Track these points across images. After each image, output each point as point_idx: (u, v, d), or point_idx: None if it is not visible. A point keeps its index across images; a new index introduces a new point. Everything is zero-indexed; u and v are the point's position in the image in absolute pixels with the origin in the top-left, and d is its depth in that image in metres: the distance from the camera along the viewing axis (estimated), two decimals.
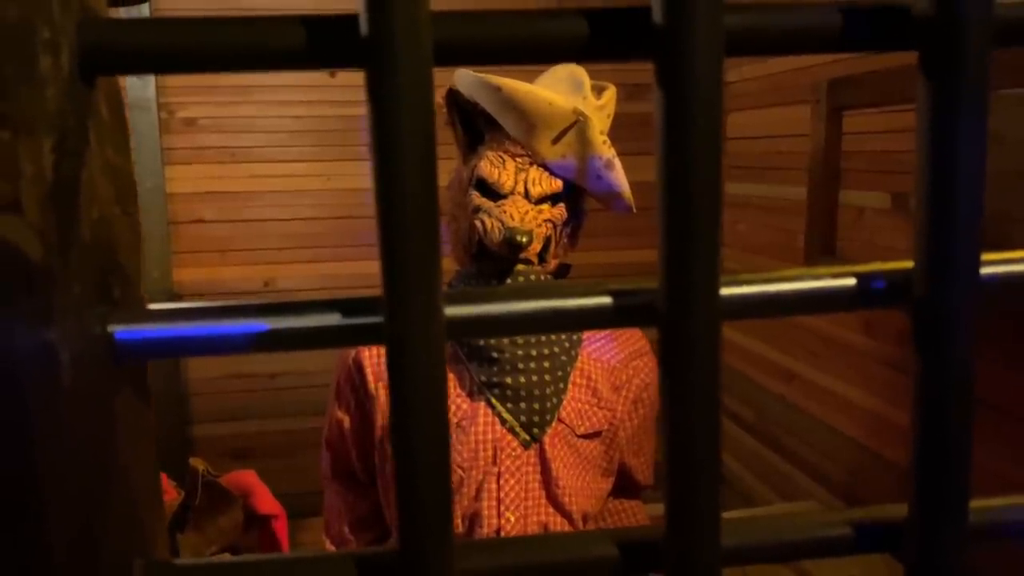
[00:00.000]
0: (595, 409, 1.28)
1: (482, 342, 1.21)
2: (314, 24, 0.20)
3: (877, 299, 0.23)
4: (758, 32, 0.21)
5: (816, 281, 0.23)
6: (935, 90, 0.21)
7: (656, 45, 0.20)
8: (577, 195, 1.25)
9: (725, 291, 0.22)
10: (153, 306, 0.21)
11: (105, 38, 0.19)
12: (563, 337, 1.25)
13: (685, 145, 0.20)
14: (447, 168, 1.35)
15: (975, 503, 0.24)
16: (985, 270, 0.23)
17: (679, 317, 0.21)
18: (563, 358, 1.25)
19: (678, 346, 0.21)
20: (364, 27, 0.19)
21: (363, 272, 2.72)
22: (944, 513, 0.23)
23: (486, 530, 1.20)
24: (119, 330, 0.21)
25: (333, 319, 0.21)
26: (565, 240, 1.27)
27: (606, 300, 0.22)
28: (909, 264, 0.23)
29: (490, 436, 1.22)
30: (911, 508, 0.23)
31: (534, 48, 0.21)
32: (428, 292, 0.20)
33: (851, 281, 0.23)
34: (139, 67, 0.20)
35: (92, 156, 0.20)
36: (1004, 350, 1.60)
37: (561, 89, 1.19)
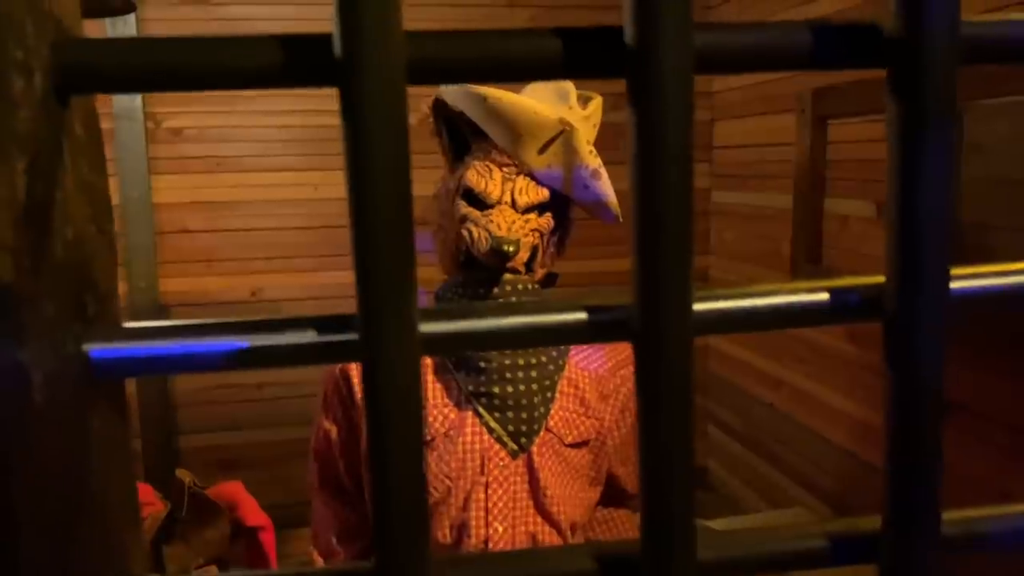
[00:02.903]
0: (583, 418, 1.28)
1: (469, 352, 1.21)
2: (288, 43, 0.20)
3: (850, 313, 0.23)
4: (728, 50, 0.22)
5: (790, 296, 0.23)
6: (903, 108, 0.21)
7: (627, 64, 0.20)
8: (564, 204, 1.26)
9: (699, 306, 0.23)
10: (128, 324, 0.21)
11: (79, 58, 0.19)
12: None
13: (656, 163, 0.20)
14: (434, 177, 1.35)
15: (948, 514, 0.24)
16: (955, 284, 0.23)
17: (652, 333, 0.21)
18: (550, 367, 1.26)
19: (651, 361, 0.21)
20: (337, 47, 0.19)
21: (351, 281, 2.70)
22: (917, 524, 0.23)
23: (474, 540, 1.20)
24: (94, 348, 0.21)
25: (309, 336, 0.21)
26: (552, 249, 1.27)
27: (581, 316, 0.22)
28: (882, 279, 0.23)
29: (477, 446, 1.22)
30: (884, 519, 0.23)
31: (507, 66, 0.21)
32: (402, 309, 0.20)
33: (824, 296, 0.23)
34: (113, 87, 0.20)
35: (66, 175, 0.20)
36: (990, 358, 1.61)
37: (547, 99, 1.20)
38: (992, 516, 0.25)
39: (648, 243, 0.21)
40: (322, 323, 0.22)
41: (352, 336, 0.21)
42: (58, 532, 0.20)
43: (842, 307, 0.23)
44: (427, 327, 0.21)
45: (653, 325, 0.21)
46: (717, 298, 0.23)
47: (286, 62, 0.20)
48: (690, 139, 0.20)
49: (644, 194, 0.21)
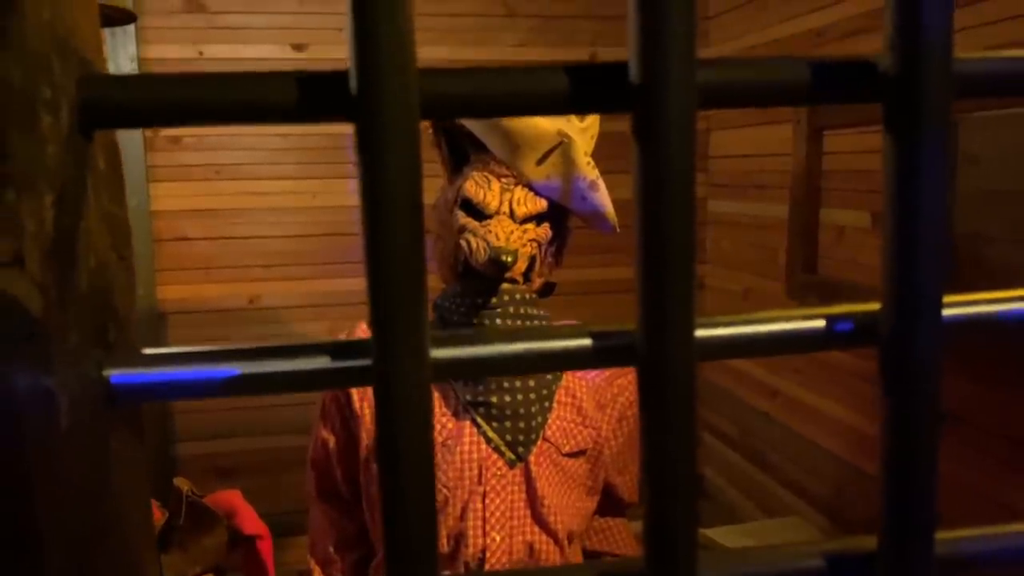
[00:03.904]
0: (580, 427, 1.29)
1: None
2: (305, 80, 0.21)
3: (846, 340, 0.24)
4: (730, 87, 0.22)
5: (788, 323, 0.24)
6: (899, 142, 0.22)
7: (632, 99, 0.21)
8: (561, 214, 1.27)
9: (701, 333, 0.23)
10: (148, 350, 0.22)
11: (103, 95, 0.20)
12: None
13: (660, 196, 0.21)
14: (433, 187, 1.36)
15: (942, 534, 0.25)
16: (948, 311, 0.24)
17: (656, 359, 0.22)
18: (548, 377, 1.26)
19: (656, 387, 0.22)
20: (354, 83, 0.20)
21: (349, 289, 2.72)
22: (912, 544, 0.24)
23: (471, 549, 1.20)
24: (114, 374, 0.21)
25: (323, 362, 0.22)
26: (550, 259, 1.28)
27: (587, 342, 0.23)
28: (877, 305, 0.24)
29: (475, 455, 1.22)
30: (880, 540, 0.24)
31: (517, 101, 0.22)
32: (415, 337, 0.21)
33: (821, 323, 0.24)
34: (136, 122, 0.20)
35: (90, 207, 0.21)
36: (990, 370, 1.62)
37: None
38: (985, 535, 0.25)
39: (652, 273, 0.21)
40: (335, 349, 0.22)
41: (365, 362, 0.22)
42: (81, 552, 0.20)
43: (839, 333, 0.24)
44: (438, 353, 0.22)
45: (657, 352, 0.22)
46: (718, 325, 0.24)
47: (303, 98, 0.21)
48: (693, 174, 0.21)
49: (648, 223, 0.21)
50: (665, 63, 0.21)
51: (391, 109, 0.20)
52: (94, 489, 0.21)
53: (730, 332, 0.23)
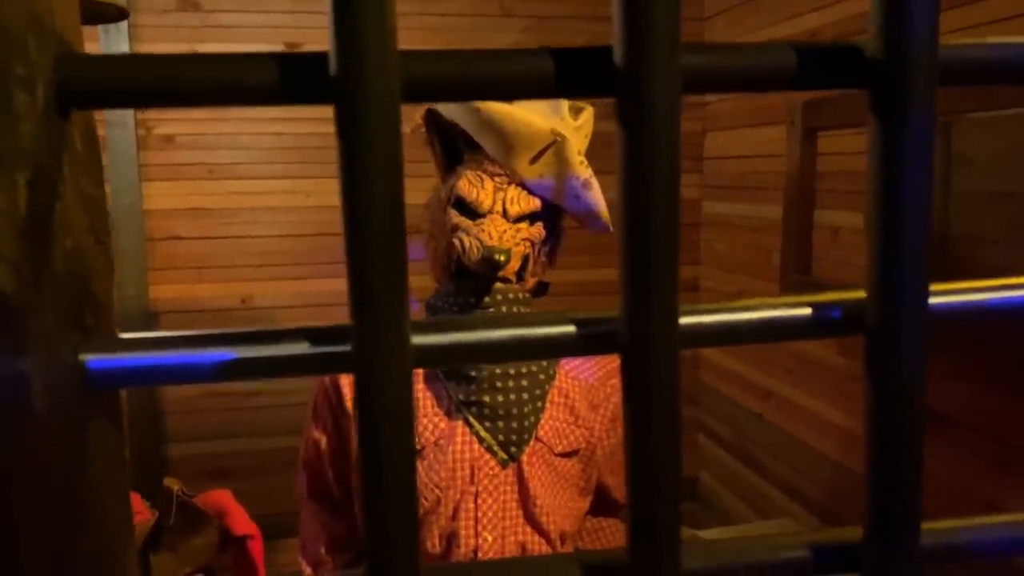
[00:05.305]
0: (573, 428, 1.28)
1: None
2: (285, 61, 0.21)
3: (832, 328, 0.24)
4: (715, 71, 0.22)
5: (773, 311, 0.24)
6: (883, 128, 0.22)
7: (616, 84, 0.21)
8: (555, 214, 1.26)
9: (685, 320, 0.23)
10: (125, 335, 0.21)
11: (81, 74, 0.20)
12: None
13: (644, 181, 0.21)
14: (426, 186, 1.36)
15: (927, 525, 0.25)
16: (934, 300, 0.23)
17: (639, 346, 0.21)
18: (541, 376, 1.26)
19: (639, 374, 0.22)
20: (333, 65, 0.20)
21: (341, 289, 2.72)
22: (897, 535, 0.23)
23: (463, 549, 1.20)
24: (91, 359, 0.21)
25: (303, 348, 0.22)
26: (543, 259, 1.28)
27: (570, 329, 0.23)
28: (862, 294, 0.24)
29: (467, 455, 1.22)
30: (865, 531, 0.24)
31: (500, 86, 0.22)
32: (396, 322, 0.20)
33: (807, 311, 0.24)
34: (114, 102, 0.20)
35: (66, 188, 0.21)
36: (979, 371, 1.62)
37: (539, 110, 1.20)
38: (969, 527, 0.25)
39: (636, 259, 0.21)
40: (315, 334, 0.22)
41: (345, 348, 0.22)
42: (56, 541, 0.20)
43: (825, 321, 0.24)
44: (419, 339, 0.22)
45: (640, 338, 0.21)
46: (703, 312, 0.23)
47: (283, 80, 0.21)
48: (677, 158, 0.21)
49: (632, 211, 0.21)
50: (649, 47, 0.20)
51: (371, 90, 0.20)
52: (70, 475, 0.21)
53: (714, 319, 0.23)
